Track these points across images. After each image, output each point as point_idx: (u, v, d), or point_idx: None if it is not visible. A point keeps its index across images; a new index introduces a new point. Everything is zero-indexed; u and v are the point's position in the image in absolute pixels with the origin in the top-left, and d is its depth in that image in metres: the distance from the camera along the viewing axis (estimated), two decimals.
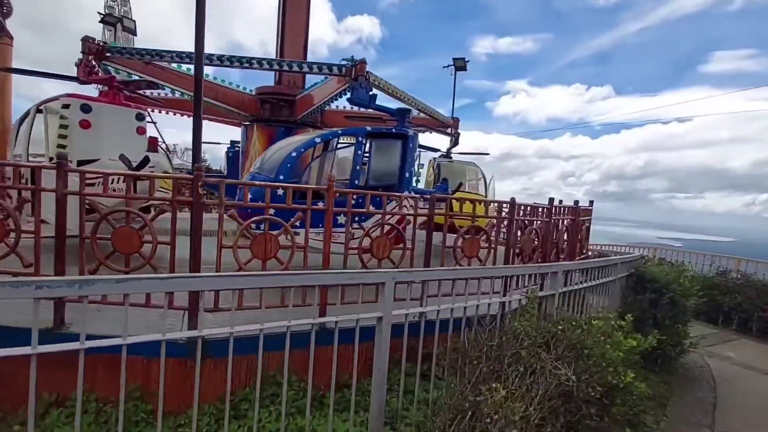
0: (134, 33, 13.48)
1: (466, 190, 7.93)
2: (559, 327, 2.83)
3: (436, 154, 10.22)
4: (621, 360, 2.82)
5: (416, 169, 6.07)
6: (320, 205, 3.55)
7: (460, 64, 15.24)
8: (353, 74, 5.79)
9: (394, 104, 8.43)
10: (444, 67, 16.30)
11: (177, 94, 8.49)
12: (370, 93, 5.84)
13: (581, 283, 4.47)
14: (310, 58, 9.17)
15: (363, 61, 5.83)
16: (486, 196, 8.51)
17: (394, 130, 5.51)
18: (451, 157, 10.18)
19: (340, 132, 5.17)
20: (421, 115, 8.96)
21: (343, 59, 6.15)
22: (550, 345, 2.75)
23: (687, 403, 4.90)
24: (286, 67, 7.16)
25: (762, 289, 8.40)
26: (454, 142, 9.78)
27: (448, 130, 9.75)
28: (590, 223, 6.71)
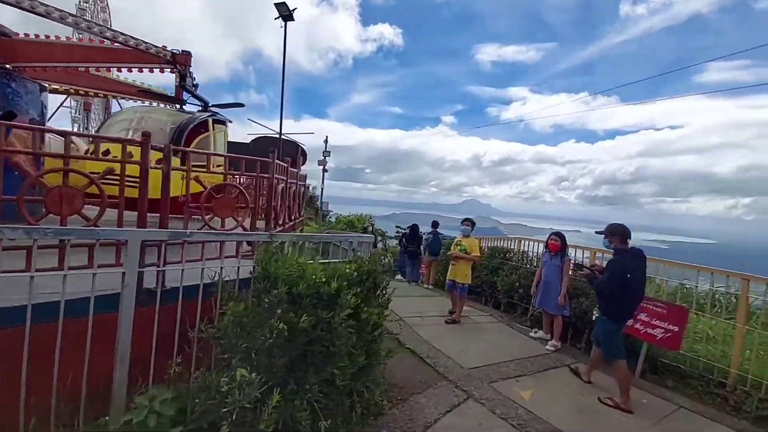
0: None
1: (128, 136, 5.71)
2: None
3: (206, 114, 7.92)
4: None
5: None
6: None
7: (283, 11, 12.74)
8: None
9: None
10: (275, 18, 13.88)
11: None
12: None
13: None
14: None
15: None
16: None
17: None
18: (211, 112, 7.94)
19: None
20: (117, 45, 6.44)
21: None
22: None
23: None
24: None
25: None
26: (180, 81, 7.34)
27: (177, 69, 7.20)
28: (290, 185, 4.73)
